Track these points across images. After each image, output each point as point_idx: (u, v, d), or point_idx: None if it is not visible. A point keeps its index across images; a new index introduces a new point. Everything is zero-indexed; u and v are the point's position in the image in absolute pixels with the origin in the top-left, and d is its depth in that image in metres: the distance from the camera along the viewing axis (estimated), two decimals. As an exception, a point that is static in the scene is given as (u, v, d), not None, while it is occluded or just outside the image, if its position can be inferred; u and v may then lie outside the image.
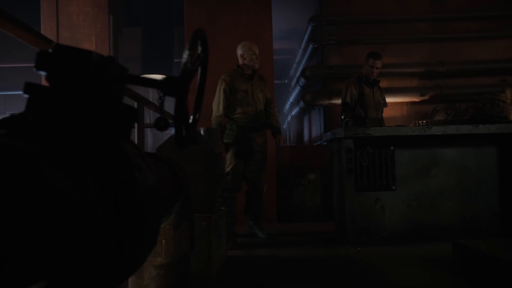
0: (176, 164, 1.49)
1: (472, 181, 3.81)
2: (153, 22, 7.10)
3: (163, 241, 1.55)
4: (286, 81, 11.56)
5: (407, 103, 5.59)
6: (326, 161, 4.53)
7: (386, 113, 5.36)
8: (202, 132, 3.91)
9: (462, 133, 3.65)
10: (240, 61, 4.20)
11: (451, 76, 5.52)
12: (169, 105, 1.06)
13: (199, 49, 1.02)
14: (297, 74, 6.77)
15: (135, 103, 2.52)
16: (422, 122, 4.27)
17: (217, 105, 4.09)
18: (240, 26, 5.26)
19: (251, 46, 4.19)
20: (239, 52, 4.19)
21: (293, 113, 8.53)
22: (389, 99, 5.31)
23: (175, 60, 7.02)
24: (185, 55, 0.91)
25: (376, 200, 3.76)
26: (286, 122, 11.91)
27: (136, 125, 2.56)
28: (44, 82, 0.83)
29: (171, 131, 0.91)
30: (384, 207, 3.76)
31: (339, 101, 5.33)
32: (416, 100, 5.47)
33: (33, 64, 0.76)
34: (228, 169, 4.03)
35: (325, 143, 3.84)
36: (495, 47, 5.72)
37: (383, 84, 5.46)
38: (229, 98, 4.08)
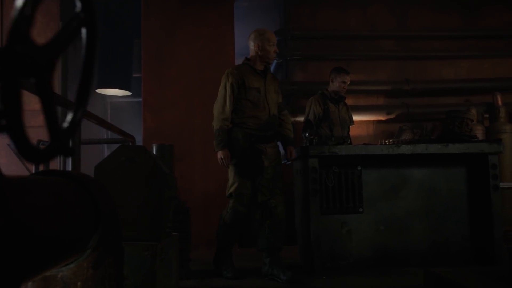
0: (96, 184, 1.17)
1: (442, 203, 3.64)
2: (110, 35, 6.73)
3: (79, 283, 1.22)
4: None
5: (373, 121, 5.44)
6: (289, 181, 4.26)
7: (352, 131, 5.18)
8: (154, 149, 3.58)
9: (431, 152, 3.48)
10: (252, 53, 3.39)
11: (417, 95, 5.42)
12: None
13: (78, 5, 0.69)
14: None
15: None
16: (389, 141, 4.10)
17: (222, 104, 3.28)
18: (201, 38, 5.01)
19: (271, 35, 3.38)
20: (254, 41, 3.35)
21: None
22: (355, 117, 5.13)
23: (134, 75, 6.67)
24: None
25: (343, 223, 3.51)
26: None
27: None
28: None
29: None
30: (351, 231, 3.52)
31: (303, 119, 5.12)
32: (383, 118, 5.32)
33: None
34: (230, 191, 3.31)
35: (289, 162, 3.57)
36: (459, 67, 5.68)
37: (348, 101, 5.29)
38: (236, 98, 3.29)
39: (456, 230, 3.63)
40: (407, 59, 5.55)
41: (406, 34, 5.58)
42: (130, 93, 6.91)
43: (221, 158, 3.24)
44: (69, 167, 2.21)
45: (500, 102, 5.17)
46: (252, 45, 3.37)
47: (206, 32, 5.04)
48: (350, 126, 4.38)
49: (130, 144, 3.77)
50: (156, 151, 3.49)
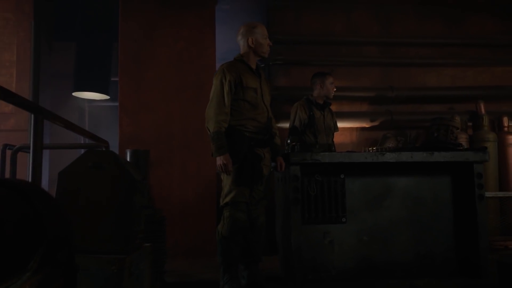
0: (39, 193, 1.01)
1: (426, 212, 3.54)
2: (89, 37, 6.53)
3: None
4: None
5: (356, 128, 5.34)
6: (270, 189, 4.13)
7: (335, 138, 5.06)
8: (128, 154, 3.40)
9: (416, 160, 3.38)
10: (245, 49, 3.11)
11: (401, 102, 5.35)
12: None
13: None
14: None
15: (31, 115, 2.00)
16: (373, 149, 4.00)
17: (219, 104, 2.94)
18: (181, 41, 4.86)
19: (263, 28, 3.14)
20: (246, 36, 3.08)
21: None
22: (338, 124, 5.03)
23: (113, 79, 6.48)
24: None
25: (325, 234, 3.38)
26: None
27: (32, 145, 2.04)
28: None
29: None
30: (333, 242, 3.39)
31: (286, 125, 4.99)
32: (366, 125, 5.23)
33: None
34: (226, 200, 3.00)
35: (273, 169, 3.43)
36: (443, 75, 5.64)
37: (332, 108, 5.19)
38: (233, 97, 3.00)
39: (441, 240, 3.54)
40: (391, 66, 5.48)
41: (390, 41, 5.51)
42: (108, 97, 6.72)
43: (223, 164, 2.89)
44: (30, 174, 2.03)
45: (483, 111, 5.13)
46: (243, 41, 3.12)
47: (186, 35, 4.89)
48: (335, 133, 4.29)
49: (104, 149, 3.59)
50: (130, 157, 3.32)
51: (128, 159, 3.35)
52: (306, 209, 3.33)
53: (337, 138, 5.19)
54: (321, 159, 3.28)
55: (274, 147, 3.23)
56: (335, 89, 4.21)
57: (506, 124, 5.13)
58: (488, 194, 4.27)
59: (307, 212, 3.33)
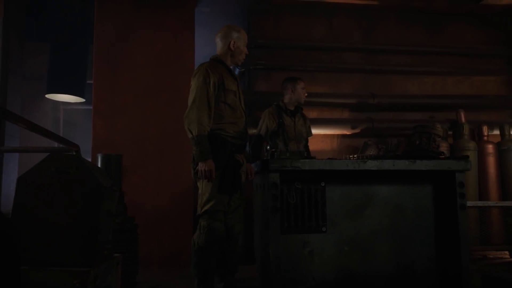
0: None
1: (408, 222, 3.46)
2: (64, 38, 6.32)
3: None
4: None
5: (337, 135, 5.26)
6: (249, 196, 4.01)
7: (316, 145, 4.98)
8: (99, 159, 3.24)
9: (398, 169, 3.29)
10: (223, 51, 2.99)
11: (382, 109, 5.31)
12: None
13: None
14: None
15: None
16: (354, 157, 3.93)
17: (203, 105, 2.76)
18: (158, 43, 4.71)
19: (246, 35, 3.07)
20: (228, 37, 2.96)
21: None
22: (319, 131, 4.96)
23: (89, 82, 6.28)
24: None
25: (304, 243, 3.26)
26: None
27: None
28: None
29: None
30: (313, 252, 3.28)
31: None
32: (347, 133, 5.16)
33: None
34: (204, 208, 2.82)
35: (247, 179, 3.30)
36: (423, 83, 5.63)
37: (313, 114, 5.13)
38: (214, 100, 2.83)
39: (422, 251, 3.46)
40: (373, 73, 5.44)
41: (372, 48, 5.47)
42: (83, 100, 6.51)
43: (206, 170, 2.73)
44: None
45: (463, 119, 5.12)
46: (224, 42, 2.98)
47: (164, 37, 4.75)
48: (314, 139, 4.20)
49: (74, 153, 3.42)
50: (101, 162, 3.17)
51: (99, 164, 3.19)
52: (285, 218, 3.21)
53: (318, 145, 5.11)
54: (301, 166, 3.17)
55: (245, 153, 3.13)
56: (306, 94, 4.15)
57: (486, 133, 5.12)
58: (468, 203, 4.22)
59: (286, 221, 3.21)
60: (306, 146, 4.19)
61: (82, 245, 1.94)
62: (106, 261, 2.23)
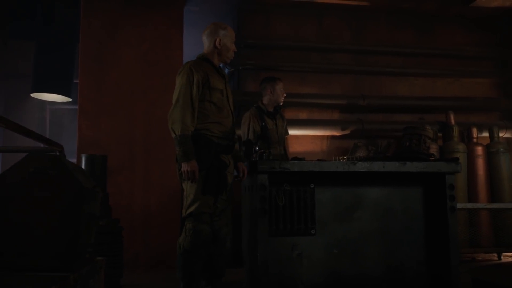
0: None
1: (398, 225, 3.42)
2: (50, 37, 6.20)
3: None
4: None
5: (327, 137, 5.23)
6: (237, 197, 3.95)
7: (306, 147, 4.94)
8: (83, 160, 3.16)
9: (388, 170, 3.26)
10: (210, 49, 2.93)
11: (372, 111, 5.28)
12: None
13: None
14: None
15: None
16: (343, 158, 3.89)
17: (186, 104, 2.70)
18: (146, 42, 4.64)
19: (232, 32, 2.99)
20: (214, 35, 2.90)
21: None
22: (309, 132, 4.92)
23: (75, 81, 6.16)
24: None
25: (293, 246, 3.21)
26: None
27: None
28: None
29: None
30: (302, 255, 3.23)
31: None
32: (337, 134, 5.12)
33: None
34: (189, 210, 2.75)
35: (237, 178, 3.24)
36: (413, 84, 5.62)
37: (302, 115, 5.09)
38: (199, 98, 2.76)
39: (411, 253, 3.43)
40: (363, 74, 5.41)
41: (362, 49, 5.45)
42: (70, 99, 6.40)
43: (189, 171, 2.66)
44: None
45: (453, 121, 5.11)
46: (210, 40, 2.93)
47: (152, 36, 4.67)
48: (303, 141, 4.16)
49: (58, 154, 3.33)
50: (85, 163, 3.09)
51: (83, 165, 3.11)
52: (274, 220, 3.15)
53: (308, 146, 5.06)
54: (290, 168, 3.12)
55: (236, 153, 3.05)
56: (285, 95, 4.09)
57: (475, 135, 5.12)
58: (457, 205, 4.21)
59: (274, 224, 3.16)
60: (285, 147, 4.15)
61: (61, 249, 1.87)
62: (87, 265, 2.15)
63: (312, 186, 3.25)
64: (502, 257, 5.01)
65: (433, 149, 4.71)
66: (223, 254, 2.94)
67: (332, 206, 3.32)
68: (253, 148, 3.49)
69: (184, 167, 2.68)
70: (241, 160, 3.08)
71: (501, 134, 5.23)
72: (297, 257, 3.22)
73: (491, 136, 5.17)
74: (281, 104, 4.10)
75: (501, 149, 5.01)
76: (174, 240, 4.15)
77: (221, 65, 3.06)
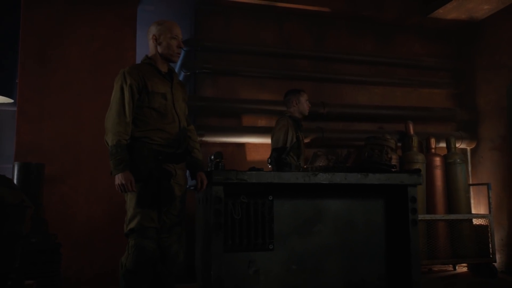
0: None
1: (359, 238, 3.30)
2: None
3: None
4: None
5: (287, 145, 5.06)
6: (192, 210, 3.71)
7: (263, 155, 4.76)
8: (15, 169, 2.83)
9: (350, 182, 3.12)
10: (152, 50, 2.74)
11: (333, 119, 5.17)
12: None
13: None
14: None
15: None
16: (303, 167, 3.73)
17: (118, 113, 2.52)
18: (96, 40, 4.34)
19: (173, 25, 2.73)
20: (152, 32, 2.72)
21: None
22: (267, 140, 4.72)
23: (17, 81, 5.71)
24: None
25: (250, 262, 3.02)
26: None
27: None
28: None
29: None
30: (258, 272, 3.04)
31: (213, 139, 4.60)
32: (297, 142, 4.96)
33: None
34: (130, 226, 2.51)
35: (193, 188, 3.00)
36: (373, 93, 5.56)
37: (261, 122, 4.92)
38: (136, 105, 2.58)
39: (372, 268, 3.31)
40: (323, 81, 5.29)
41: (323, 55, 5.33)
42: (12, 101, 5.94)
43: (121, 184, 2.46)
44: None
45: (412, 131, 5.08)
46: (148, 40, 2.75)
47: (103, 34, 4.36)
48: (261, 149, 4.01)
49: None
50: (18, 172, 2.76)
51: (15, 174, 2.78)
52: (229, 235, 2.95)
53: (265, 155, 4.86)
54: (247, 179, 2.92)
55: (194, 162, 2.82)
56: (310, 106, 4.13)
57: (433, 146, 5.10)
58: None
59: (230, 239, 2.95)
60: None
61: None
62: (11, 292, 1.86)
63: (271, 198, 3.07)
64: (457, 268, 5.02)
65: (393, 159, 4.64)
66: (173, 273, 2.69)
67: (292, 219, 3.16)
68: (283, 156, 3.21)
69: (117, 179, 2.48)
70: (201, 170, 2.84)
71: (457, 145, 5.24)
72: (253, 274, 3.03)
73: (448, 147, 5.17)
74: (306, 115, 4.15)
75: (458, 160, 5.01)
76: (123, 254, 3.87)
77: (177, 67, 2.84)
